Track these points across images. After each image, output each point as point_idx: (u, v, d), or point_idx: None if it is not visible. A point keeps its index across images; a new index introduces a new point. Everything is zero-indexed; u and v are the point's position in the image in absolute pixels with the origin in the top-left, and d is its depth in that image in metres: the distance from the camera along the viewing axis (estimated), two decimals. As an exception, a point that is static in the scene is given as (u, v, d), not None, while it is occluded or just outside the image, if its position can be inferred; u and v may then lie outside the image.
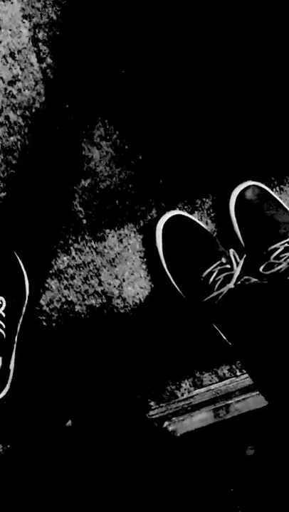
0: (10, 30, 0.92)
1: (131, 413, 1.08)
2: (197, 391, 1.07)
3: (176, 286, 1.01)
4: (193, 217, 1.00)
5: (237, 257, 0.95)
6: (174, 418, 1.08)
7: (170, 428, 1.08)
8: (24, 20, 0.92)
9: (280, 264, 0.98)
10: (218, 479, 1.00)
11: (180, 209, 1.02)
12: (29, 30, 0.92)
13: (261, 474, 0.98)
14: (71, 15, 0.93)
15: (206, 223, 1.03)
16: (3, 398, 0.99)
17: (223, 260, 0.95)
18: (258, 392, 1.08)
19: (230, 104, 1.01)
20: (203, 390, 1.07)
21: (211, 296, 0.93)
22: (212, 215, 1.04)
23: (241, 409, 1.07)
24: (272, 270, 0.98)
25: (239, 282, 0.93)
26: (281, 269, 0.98)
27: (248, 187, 0.99)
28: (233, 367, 1.07)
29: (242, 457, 0.98)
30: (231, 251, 0.95)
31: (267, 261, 0.98)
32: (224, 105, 1.01)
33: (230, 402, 1.07)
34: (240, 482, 0.97)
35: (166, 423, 1.08)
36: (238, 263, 0.94)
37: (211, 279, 0.94)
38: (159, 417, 1.08)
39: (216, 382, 1.07)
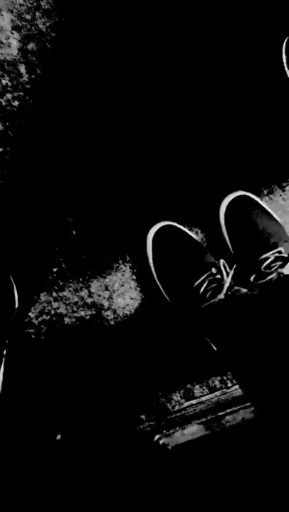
0: (-1, 41, 0.92)
1: (121, 426, 1.06)
2: (188, 403, 1.06)
3: (166, 297, 1.01)
4: (183, 228, 1.00)
5: (227, 267, 0.95)
6: (164, 431, 1.07)
7: (161, 441, 1.07)
8: (14, 32, 0.92)
9: (270, 273, 0.98)
10: (210, 491, 0.98)
11: (170, 219, 1.02)
12: (19, 41, 0.92)
13: (253, 486, 0.97)
14: (60, 26, 0.94)
15: (197, 233, 1.03)
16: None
17: (213, 271, 0.95)
18: (249, 404, 1.07)
19: (218, 115, 1.02)
20: (194, 401, 1.06)
21: (201, 306, 0.93)
22: (202, 225, 1.04)
23: (232, 421, 1.06)
24: (263, 280, 0.98)
25: (229, 293, 0.92)
26: (272, 278, 0.98)
27: (237, 197, 0.99)
28: (224, 378, 1.06)
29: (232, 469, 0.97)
30: (221, 261, 0.95)
31: (258, 271, 0.98)
32: (213, 117, 1.02)
33: (221, 413, 1.07)
34: (231, 491, 0.96)
35: (157, 436, 1.07)
36: (228, 273, 0.93)
37: (202, 290, 0.94)
38: (150, 430, 1.07)
39: (207, 394, 1.06)
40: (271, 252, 0.98)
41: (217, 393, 1.06)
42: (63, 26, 0.94)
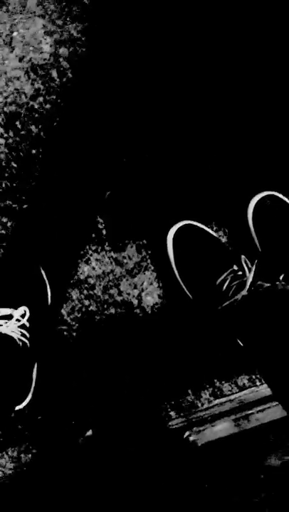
0: (32, 46, 0.95)
1: (151, 423, 1.08)
2: (217, 401, 1.07)
3: (189, 295, 1.01)
4: (203, 226, 1.01)
5: (248, 263, 0.95)
6: (194, 428, 1.08)
7: (191, 438, 1.08)
8: (46, 37, 0.95)
9: (300, 272, 0.98)
10: (239, 488, 0.99)
11: (195, 218, 1.02)
12: (50, 46, 0.95)
13: (286, 485, 0.97)
14: (91, 31, 0.96)
15: (217, 231, 1.03)
16: (26, 407, 1.00)
17: (235, 267, 0.95)
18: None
19: (246, 117, 1.02)
20: (223, 399, 1.06)
21: (225, 303, 0.93)
22: (228, 223, 1.04)
23: (262, 419, 1.06)
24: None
25: (253, 288, 0.92)
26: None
27: (266, 197, 1.00)
28: (253, 376, 1.06)
29: (262, 467, 0.97)
30: (242, 257, 0.95)
31: (287, 270, 0.98)
32: (241, 118, 1.02)
33: (250, 411, 1.07)
34: (262, 492, 0.96)
35: (186, 433, 1.08)
36: (250, 269, 0.93)
37: (225, 287, 0.94)
38: (180, 427, 1.08)
39: (236, 392, 1.07)
40: (300, 251, 0.98)
41: (246, 391, 1.06)
42: (94, 31, 0.96)
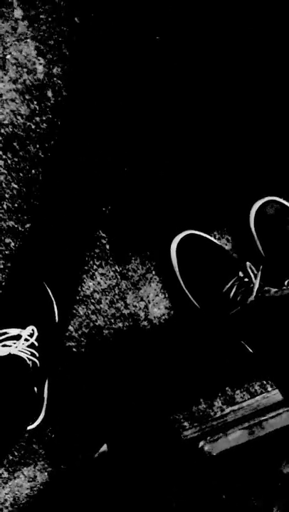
0: (26, 67, 0.95)
1: (166, 435, 1.08)
2: (230, 409, 1.07)
3: (196, 304, 1.01)
4: (206, 235, 1.01)
5: (254, 269, 0.95)
6: (208, 437, 1.08)
7: (206, 448, 1.08)
8: (39, 58, 0.96)
9: (304, 277, 0.98)
10: (257, 497, 0.98)
11: (197, 227, 1.03)
12: (44, 66, 0.96)
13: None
14: (83, 50, 0.97)
15: (220, 239, 1.04)
16: (38, 426, 1.00)
17: (241, 274, 0.95)
18: (291, 407, 1.07)
19: (247, 120, 1.03)
20: (235, 407, 1.06)
21: (233, 311, 0.93)
22: (231, 231, 1.04)
23: (275, 425, 1.06)
24: (297, 283, 0.98)
25: (260, 294, 0.92)
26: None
27: (268, 202, 1.00)
28: (264, 382, 1.06)
29: (279, 474, 0.97)
30: (248, 264, 0.95)
31: (291, 274, 0.98)
32: (241, 122, 1.02)
33: (263, 418, 1.07)
34: (281, 499, 0.95)
35: (201, 443, 1.08)
36: (256, 275, 0.94)
37: (232, 294, 0.94)
38: (194, 437, 1.08)
39: (248, 399, 1.06)
40: (304, 255, 0.98)
41: (258, 398, 1.06)
42: (86, 48, 0.97)
